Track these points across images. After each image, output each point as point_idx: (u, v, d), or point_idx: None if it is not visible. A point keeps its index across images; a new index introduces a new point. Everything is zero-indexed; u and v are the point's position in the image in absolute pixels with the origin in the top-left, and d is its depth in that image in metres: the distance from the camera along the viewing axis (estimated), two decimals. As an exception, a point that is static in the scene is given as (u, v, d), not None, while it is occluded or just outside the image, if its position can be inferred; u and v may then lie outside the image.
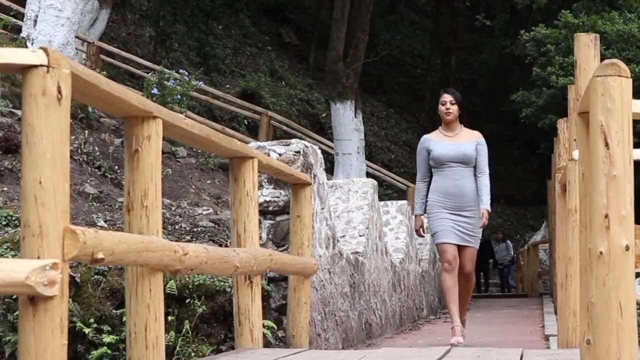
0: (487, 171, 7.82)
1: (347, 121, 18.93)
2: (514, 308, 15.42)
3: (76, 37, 13.46)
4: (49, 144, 2.91)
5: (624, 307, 3.02)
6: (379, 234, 9.81)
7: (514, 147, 35.48)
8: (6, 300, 5.56)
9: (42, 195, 2.89)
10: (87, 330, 5.62)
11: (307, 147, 6.75)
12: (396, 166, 27.76)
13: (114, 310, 5.75)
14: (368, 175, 19.03)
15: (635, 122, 3.26)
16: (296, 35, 32.16)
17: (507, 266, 27.19)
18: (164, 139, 4.06)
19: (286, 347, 6.08)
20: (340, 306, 7.70)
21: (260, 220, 6.11)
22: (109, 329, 5.68)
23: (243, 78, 25.48)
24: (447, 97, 7.83)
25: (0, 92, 9.53)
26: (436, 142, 7.78)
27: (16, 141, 8.04)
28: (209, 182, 11.48)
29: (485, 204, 7.72)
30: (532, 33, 22.36)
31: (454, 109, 7.79)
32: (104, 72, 13.13)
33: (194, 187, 10.66)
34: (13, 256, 5.55)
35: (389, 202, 12.08)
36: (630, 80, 3.13)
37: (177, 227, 7.25)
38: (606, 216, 3.05)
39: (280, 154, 6.55)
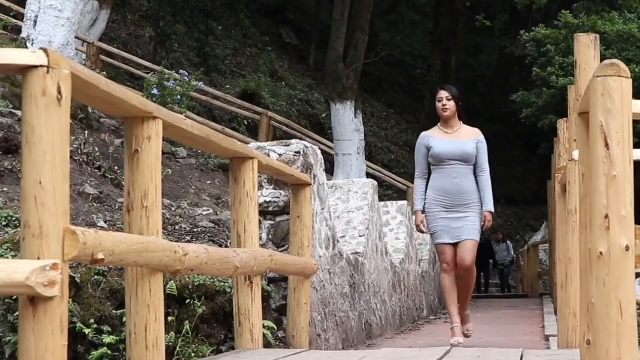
0: (488, 169, 7.71)
1: (347, 122, 18.93)
2: (514, 308, 15.41)
3: (76, 37, 13.46)
4: (49, 144, 2.91)
5: (624, 308, 3.02)
6: (379, 235, 9.81)
7: (514, 147, 35.47)
8: (6, 300, 5.56)
9: (43, 196, 2.89)
10: (87, 331, 5.62)
11: (307, 147, 6.75)
12: (396, 167, 27.77)
13: (114, 311, 5.75)
14: (368, 175, 19.02)
15: (635, 122, 3.26)
16: (296, 35, 32.16)
17: (508, 267, 27.20)
18: (164, 140, 4.06)
19: (286, 348, 6.08)
20: (341, 307, 7.70)
21: (260, 220, 6.11)
22: (109, 329, 5.68)
23: (243, 78, 25.48)
24: (443, 94, 7.69)
25: (0, 93, 9.53)
26: (436, 139, 7.64)
27: (16, 142, 8.04)
28: (209, 182, 11.48)
29: (489, 205, 7.65)
30: (532, 33, 22.35)
31: (451, 104, 7.64)
32: (104, 73, 13.15)
33: (194, 187, 10.66)
34: (13, 257, 5.55)
35: (389, 203, 12.08)
36: (631, 81, 3.13)
37: (177, 227, 7.25)
38: (606, 216, 3.05)
39: (280, 155, 6.55)
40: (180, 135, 4.50)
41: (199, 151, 12.11)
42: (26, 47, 11.40)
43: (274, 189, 6.63)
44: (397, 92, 35.42)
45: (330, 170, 17.47)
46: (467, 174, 7.59)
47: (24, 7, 13.19)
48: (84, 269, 5.82)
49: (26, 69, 2.92)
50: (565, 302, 5.97)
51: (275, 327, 6.24)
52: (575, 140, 5.39)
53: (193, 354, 5.79)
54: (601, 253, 3.05)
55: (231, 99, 20.65)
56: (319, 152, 7.11)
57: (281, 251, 6.29)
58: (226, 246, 6.51)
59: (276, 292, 6.44)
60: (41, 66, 2.91)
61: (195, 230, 7.22)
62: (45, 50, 2.94)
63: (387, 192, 21.70)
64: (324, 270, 7.20)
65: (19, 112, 8.98)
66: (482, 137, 7.72)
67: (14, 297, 5.30)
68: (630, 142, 3.10)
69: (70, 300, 5.51)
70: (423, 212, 7.68)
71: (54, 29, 11.66)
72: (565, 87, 8.67)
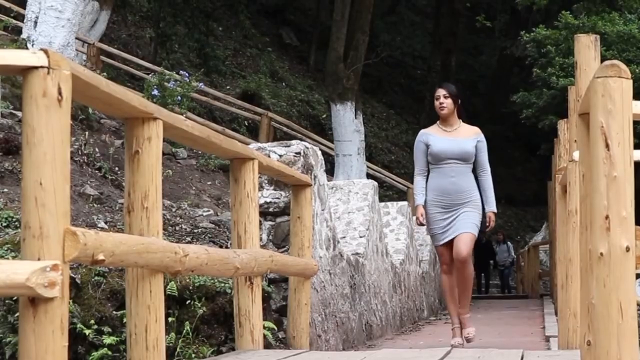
0: (489, 168, 7.67)
1: (348, 122, 18.93)
2: (514, 309, 15.41)
3: (76, 38, 13.46)
4: (49, 145, 2.91)
5: (625, 308, 3.02)
6: (380, 235, 9.81)
7: (515, 148, 35.48)
8: (7, 301, 5.56)
9: (43, 197, 2.89)
10: (87, 332, 5.61)
11: (307, 148, 6.75)
12: (396, 167, 27.78)
13: (114, 312, 5.75)
14: (368, 176, 19.03)
15: (635, 123, 3.27)
16: (296, 36, 32.17)
17: (508, 267, 27.21)
18: (164, 140, 4.06)
19: (287, 348, 6.08)
20: (341, 307, 7.70)
21: (260, 221, 6.11)
22: (110, 330, 5.68)
23: (243, 79, 25.49)
24: (440, 92, 7.60)
25: (0, 94, 9.53)
26: (435, 137, 7.55)
27: (17, 142, 8.04)
28: (209, 183, 11.48)
29: (491, 206, 7.63)
30: (532, 34, 22.35)
31: (448, 102, 7.54)
32: (105, 74, 13.15)
33: (194, 188, 10.66)
34: (13, 257, 5.55)
35: (389, 203, 12.08)
36: (631, 82, 3.13)
37: (177, 228, 7.25)
38: (606, 217, 3.05)
39: (280, 155, 6.55)
40: (181, 136, 4.50)
41: (199, 152, 12.11)
42: (26, 48, 11.40)
43: (274, 189, 6.63)
44: (397, 92, 35.43)
45: (330, 171, 17.48)
46: (464, 172, 7.52)
47: (24, 8, 13.19)
48: (84, 270, 5.82)
49: (26, 70, 2.92)
50: (566, 303, 5.97)
51: (276, 328, 6.24)
52: (575, 141, 5.39)
53: (193, 355, 5.79)
54: (601, 254, 3.05)
55: (231, 100, 20.65)
56: (319, 152, 7.11)
57: (281, 252, 6.29)
58: (226, 247, 6.51)
59: (276, 293, 6.44)
60: (41, 67, 2.91)
61: (196, 231, 7.23)
62: (45, 51, 2.94)
63: (387, 193, 21.71)
64: (324, 271, 7.20)
65: (19, 113, 8.98)
66: (482, 136, 7.64)
67: (15, 298, 5.30)
68: (631, 143, 3.10)
69: (71, 301, 5.51)
70: (424, 206, 7.56)
71: (55, 29, 11.66)
72: (566, 87, 8.66)
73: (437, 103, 7.62)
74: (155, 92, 12.91)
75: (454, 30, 32.39)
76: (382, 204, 11.13)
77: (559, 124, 7.64)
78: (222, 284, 6.02)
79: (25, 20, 12.70)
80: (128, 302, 3.83)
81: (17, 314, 4.72)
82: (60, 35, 11.67)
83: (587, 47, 5.31)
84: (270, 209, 6.60)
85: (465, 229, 7.45)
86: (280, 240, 6.55)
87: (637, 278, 3.52)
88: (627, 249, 3.05)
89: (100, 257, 3.16)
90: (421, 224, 7.64)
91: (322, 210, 7.20)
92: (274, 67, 27.89)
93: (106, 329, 5.68)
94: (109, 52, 18.45)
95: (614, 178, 3.05)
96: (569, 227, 5.84)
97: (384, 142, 30.10)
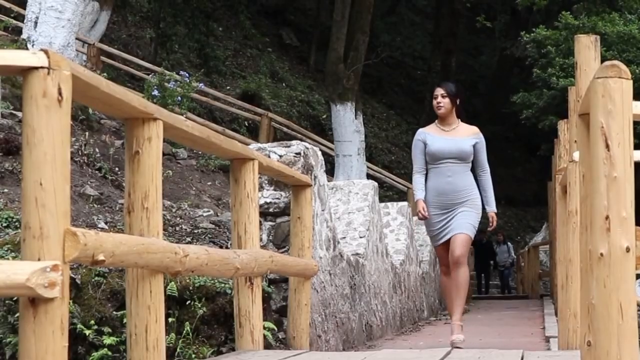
0: (489, 168, 7.61)
1: (348, 123, 18.93)
2: (514, 309, 15.42)
3: (77, 38, 13.46)
4: (49, 145, 2.91)
5: (625, 309, 3.02)
6: (380, 236, 9.81)
7: (515, 148, 35.48)
8: (7, 302, 5.56)
9: (43, 197, 2.89)
10: (87, 332, 5.62)
11: (307, 148, 6.75)
12: (397, 167, 27.78)
13: (114, 312, 5.75)
14: (368, 176, 19.03)
15: (635, 123, 3.27)
16: (296, 36, 32.17)
17: (508, 268, 27.22)
18: (164, 141, 4.06)
19: (287, 349, 6.08)
20: (341, 308, 7.70)
21: (260, 221, 6.11)
22: (110, 330, 5.68)
23: (243, 79, 25.49)
24: (438, 91, 7.53)
25: (0, 94, 9.53)
26: (433, 136, 7.48)
27: (17, 143, 8.04)
28: (209, 183, 11.48)
29: (492, 206, 7.58)
30: (532, 34, 22.36)
31: (445, 102, 7.45)
32: (105, 74, 13.15)
33: (194, 188, 10.66)
34: (14, 258, 5.55)
35: (389, 204, 12.07)
36: (631, 82, 3.13)
37: (177, 228, 7.25)
38: (607, 218, 3.05)
39: (280, 156, 6.55)
40: (181, 136, 4.50)
41: (200, 152, 12.11)
42: (27, 48, 11.40)
43: (275, 190, 6.64)
44: (397, 93, 35.43)
45: (330, 172, 17.48)
46: (461, 171, 7.43)
47: (25, 8, 13.20)
48: (84, 270, 5.82)
49: (27, 70, 2.92)
50: (566, 303, 5.97)
51: (276, 328, 6.24)
52: (575, 141, 5.39)
53: (193, 355, 5.79)
54: (602, 254, 3.05)
55: (231, 100, 20.66)
56: (319, 153, 7.11)
57: (281, 252, 6.29)
58: (227, 247, 6.51)
59: (276, 293, 6.44)
60: (42, 67, 2.91)
61: (196, 231, 7.23)
62: (45, 52, 2.94)
63: (387, 193, 21.71)
64: (325, 272, 7.20)
65: (19, 113, 8.98)
66: (480, 136, 7.56)
67: (15, 298, 5.30)
68: (631, 143, 3.10)
69: (71, 301, 5.51)
70: (424, 200, 7.43)
71: (55, 30, 11.66)
72: (566, 88, 8.66)
73: (434, 102, 7.56)
74: (156, 92, 12.91)
75: (454, 31, 32.40)
76: (382, 204, 11.13)
77: (559, 125, 7.64)
78: (222, 285, 6.02)
79: (25, 21, 12.70)
80: (128, 302, 3.83)
81: (17, 315, 4.72)
82: (60, 35, 11.67)
83: (587, 48, 5.31)
84: (271, 210, 6.60)
85: (460, 230, 7.35)
86: (281, 241, 6.55)
87: (637, 278, 3.52)
88: (627, 250, 3.05)
89: (101, 257, 3.16)
90: (423, 217, 7.45)
91: (322, 210, 7.20)
92: (274, 67, 27.89)
93: (106, 329, 5.68)
94: (109, 52, 18.45)
95: (614, 178, 3.05)
96: (569, 228, 5.84)
97: (384, 142, 30.10)
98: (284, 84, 27.32)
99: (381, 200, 10.75)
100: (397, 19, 38.34)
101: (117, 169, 9.12)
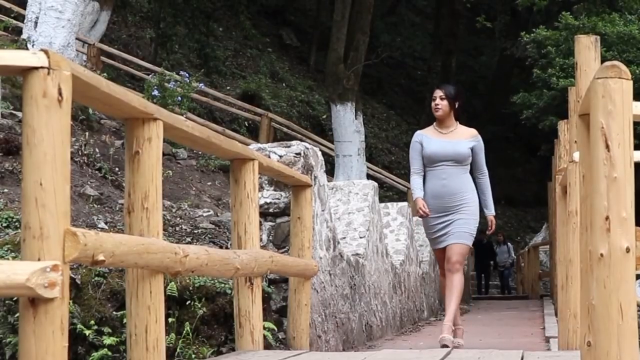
0: (487, 171, 7.57)
1: (348, 123, 18.93)
2: (514, 310, 15.42)
3: (77, 39, 13.46)
4: (49, 145, 2.91)
5: (625, 309, 3.03)
6: (380, 236, 9.81)
7: (515, 148, 35.49)
8: (7, 302, 5.56)
9: (43, 197, 2.89)
10: (87, 332, 5.61)
11: (307, 149, 6.75)
12: (397, 168, 27.78)
13: (114, 312, 5.75)
14: (368, 177, 19.04)
15: (635, 124, 3.27)
16: (297, 36, 32.17)
17: (508, 268, 27.23)
18: (164, 141, 4.06)
19: (287, 349, 6.08)
20: (341, 308, 7.70)
21: (260, 222, 6.11)
22: (110, 330, 5.68)
23: (243, 80, 25.49)
24: (437, 93, 7.48)
25: (0, 94, 9.53)
26: (429, 139, 7.43)
27: (17, 143, 8.04)
28: (209, 183, 11.48)
29: (491, 209, 7.55)
30: (532, 35, 22.36)
31: (443, 104, 7.40)
32: (105, 74, 13.15)
33: (194, 188, 10.66)
34: (14, 258, 5.55)
35: (389, 204, 12.08)
36: (631, 82, 3.13)
37: (177, 229, 7.25)
38: (607, 218, 3.05)
39: (280, 156, 6.55)
40: (181, 136, 4.50)
41: (200, 152, 12.11)
42: (27, 49, 11.40)
43: (275, 190, 6.64)
44: (397, 93, 35.44)
45: (330, 172, 17.49)
46: (458, 174, 7.36)
47: (25, 9, 13.20)
48: (84, 270, 5.82)
49: (27, 70, 2.92)
50: (566, 304, 5.97)
51: (276, 329, 6.24)
52: (575, 141, 5.40)
53: (193, 355, 5.79)
54: (602, 254, 3.05)
55: (232, 100, 20.66)
56: (319, 153, 7.11)
57: (281, 252, 6.29)
58: (227, 247, 6.51)
59: (276, 294, 6.44)
60: (42, 67, 2.91)
61: (196, 231, 7.23)
62: (45, 52, 2.94)
63: (387, 194, 21.72)
64: (325, 272, 7.20)
65: (19, 114, 8.98)
66: (479, 138, 7.50)
67: (15, 299, 5.30)
68: (631, 144, 3.10)
69: (71, 301, 5.51)
70: (423, 198, 7.37)
71: (55, 30, 11.66)
72: (566, 88, 8.65)
73: (433, 104, 7.52)
74: (156, 92, 12.91)
75: (454, 31, 32.39)
76: (382, 204, 11.13)
77: (559, 125, 7.64)
78: (222, 285, 6.02)
79: (25, 21, 12.71)
80: (128, 302, 3.83)
81: (17, 315, 4.72)
82: (60, 35, 11.67)
83: (587, 48, 5.31)
84: (271, 210, 6.60)
85: (457, 240, 7.33)
86: (281, 241, 6.55)
87: (637, 279, 3.52)
88: (627, 250, 3.05)
89: (101, 257, 3.16)
90: (425, 213, 7.35)
91: (322, 210, 7.20)
92: (274, 67, 27.89)
93: (106, 329, 5.68)
94: (109, 52, 18.45)
95: (614, 179, 3.05)
96: (569, 228, 5.84)
97: (384, 142, 30.11)
98: (284, 84, 27.33)
99: (381, 200, 10.75)
100: (397, 20, 38.34)
101: (117, 169, 9.12)
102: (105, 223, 6.86)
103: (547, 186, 18.28)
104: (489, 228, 7.70)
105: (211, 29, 26.30)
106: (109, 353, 5.60)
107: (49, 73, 2.91)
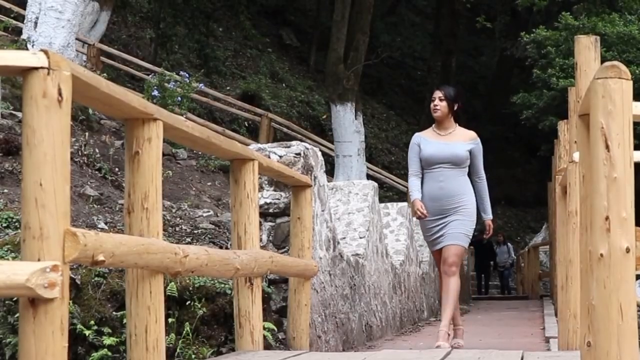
0: (484, 175, 7.49)
1: (348, 123, 18.94)
2: (514, 310, 15.42)
3: (77, 39, 13.46)
4: (49, 146, 2.91)
5: (625, 310, 3.03)
6: (380, 236, 9.81)
7: (515, 149, 35.48)
8: (6, 302, 5.56)
9: (43, 198, 2.89)
10: (87, 333, 5.61)
11: (307, 149, 6.75)
12: (396, 168, 27.78)
13: (114, 312, 5.75)
14: (368, 177, 19.04)
15: (635, 124, 3.27)
16: (297, 37, 32.17)
17: (508, 268, 27.23)
18: (164, 141, 4.06)
19: (286, 349, 6.08)
20: (341, 308, 7.70)
21: (260, 222, 6.11)
22: (110, 331, 5.68)
23: (243, 80, 25.49)
24: (437, 94, 7.42)
25: (0, 94, 9.53)
26: (427, 141, 7.37)
27: (17, 143, 8.04)
28: (209, 184, 11.48)
29: (488, 213, 7.48)
30: (532, 35, 22.35)
31: (442, 105, 7.34)
32: (105, 74, 13.15)
33: (194, 189, 10.66)
34: (13, 258, 5.55)
35: (389, 204, 12.08)
36: (631, 83, 3.13)
37: (177, 229, 7.25)
38: (607, 218, 3.05)
39: (280, 156, 6.55)
40: (181, 136, 4.50)
41: (200, 153, 12.11)
42: (27, 49, 11.40)
43: (275, 190, 6.64)
44: (397, 93, 35.44)
45: (330, 172, 17.48)
46: (455, 176, 7.30)
47: (25, 9, 13.20)
48: (84, 271, 5.82)
49: (27, 71, 2.92)
50: (566, 304, 5.97)
51: (276, 329, 6.24)
52: (575, 141, 5.40)
53: (193, 356, 5.79)
54: (602, 255, 3.05)
55: (231, 101, 20.66)
56: (319, 153, 7.10)
57: (281, 253, 6.29)
58: (226, 248, 6.51)
59: (276, 294, 6.44)
60: (42, 68, 2.91)
61: (196, 231, 7.23)
62: (45, 52, 2.94)
63: (387, 194, 21.72)
64: (324, 272, 7.20)
65: (19, 114, 8.98)
66: (477, 141, 7.43)
67: (14, 299, 5.30)
68: (631, 144, 3.10)
69: (71, 301, 5.51)
70: (421, 200, 7.30)
71: (55, 30, 11.66)
72: (566, 88, 8.65)
73: (432, 105, 7.46)
74: (156, 92, 12.91)
75: (454, 31, 32.39)
76: (382, 204, 11.13)
77: (559, 125, 7.63)
78: (222, 285, 6.02)
79: (25, 21, 12.71)
80: (128, 302, 3.83)
81: (17, 315, 4.71)
82: (60, 36, 11.67)
83: (587, 48, 5.31)
84: (270, 210, 6.60)
85: (453, 241, 7.26)
86: (280, 241, 6.55)
87: (637, 279, 3.52)
88: (627, 250, 3.05)
89: (100, 257, 3.16)
90: (422, 215, 7.28)
91: (322, 211, 7.20)
92: (274, 67, 27.89)
93: (106, 329, 5.68)
94: (109, 52, 18.45)
95: (614, 179, 3.05)
96: (569, 228, 5.84)
97: (384, 143, 30.11)
98: (284, 85, 27.33)
99: (381, 200, 10.75)
100: (397, 20, 38.34)
101: (117, 169, 9.12)
102: (105, 223, 6.86)
103: (547, 186, 18.28)
104: (487, 232, 7.63)
105: (211, 29, 26.31)
106: (109, 353, 5.60)
107: (48, 73, 2.91)
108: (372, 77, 31.66)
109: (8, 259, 5.53)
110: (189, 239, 6.90)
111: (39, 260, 2.88)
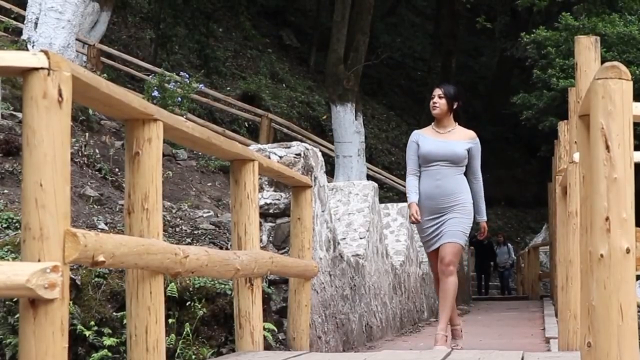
0: (481, 176, 7.42)
1: (348, 124, 18.94)
2: (514, 310, 15.42)
3: (77, 39, 13.46)
4: (49, 146, 2.91)
5: (625, 310, 3.02)
6: (380, 237, 9.81)
7: (515, 149, 35.48)
8: (7, 303, 5.56)
9: (43, 198, 2.90)
10: (87, 333, 5.61)
11: (307, 149, 6.75)
12: (397, 168, 27.78)
13: (114, 313, 5.75)
14: (369, 177, 19.04)
15: (635, 124, 3.27)
16: (297, 37, 32.17)
17: (508, 269, 27.23)
18: (164, 142, 4.06)
19: (287, 350, 6.08)
20: (341, 309, 7.70)
21: (260, 222, 6.11)
22: (110, 331, 5.68)
23: (244, 80, 25.49)
24: (436, 91, 7.38)
25: (0, 95, 9.53)
26: (425, 138, 7.32)
27: (17, 144, 8.04)
28: (209, 184, 11.48)
29: (482, 215, 7.39)
30: (532, 35, 22.35)
31: (441, 103, 7.29)
32: (105, 75, 13.15)
33: (194, 189, 10.66)
34: (14, 259, 5.55)
35: (389, 205, 12.08)
36: (631, 83, 3.13)
37: (177, 229, 7.25)
38: (607, 219, 3.05)
39: (280, 157, 6.56)
40: (181, 137, 4.50)
41: (200, 153, 12.12)
42: (27, 49, 11.40)
43: (275, 191, 6.64)
44: (397, 94, 35.44)
45: (330, 172, 17.49)
46: (452, 175, 7.24)
47: (25, 9, 13.21)
48: (84, 271, 5.82)
49: (27, 71, 2.92)
50: (566, 305, 5.97)
51: (276, 329, 6.24)
52: (575, 142, 5.40)
53: (193, 356, 5.79)
54: (602, 255, 3.05)
55: (232, 101, 20.66)
56: (319, 154, 7.10)
57: (282, 253, 6.29)
58: (227, 248, 6.51)
59: (276, 294, 6.44)
60: (42, 68, 2.91)
61: (196, 232, 7.22)
62: (46, 53, 2.94)
63: (387, 194, 21.72)
64: (325, 272, 7.20)
65: (19, 114, 8.98)
66: (476, 141, 7.38)
67: (15, 299, 5.30)
68: (631, 145, 3.10)
69: (71, 302, 5.51)
70: (417, 203, 7.25)
71: (55, 31, 11.66)
72: (566, 89, 8.65)
73: (431, 102, 7.42)
74: (156, 93, 12.91)
75: (454, 32, 32.39)
76: (382, 205, 11.13)
77: (559, 126, 7.63)
78: (222, 286, 6.02)
79: (25, 22, 12.72)
80: (128, 303, 3.83)
81: (17, 316, 4.72)
82: (60, 36, 11.67)
83: (587, 49, 5.30)
84: (271, 210, 6.60)
85: (450, 239, 7.19)
86: (281, 242, 6.55)
87: (637, 279, 3.52)
88: (628, 251, 3.05)
89: (101, 258, 3.16)
90: (416, 221, 7.27)
91: (322, 211, 7.20)
92: (274, 68, 27.90)
93: (106, 330, 5.68)
94: (109, 53, 18.45)
95: (614, 180, 3.05)
96: (569, 229, 5.84)
97: (384, 143, 30.11)
98: (284, 85, 27.33)
99: (381, 201, 10.76)
100: (397, 20, 38.34)
101: (117, 169, 9.12)
102: (105, 224, 6.87)
103: (547, 187, 18.29)
104: (481, 233, 7.56)
105: (211, 29, 26.31)
106: (109, 354, 5.60)
107: (49, 74, 2.91)
108: (372, 78, 31.66)
109: (8, 260, 5.53)
110: (189, 240, 6.90)
111: (39, 260, 2.88)
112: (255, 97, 23.79)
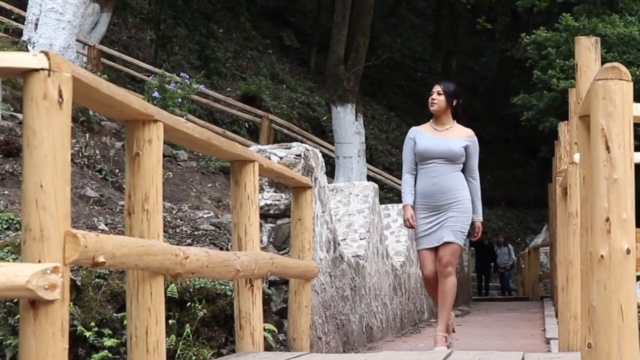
0: (478, 175, 7.33)
1: (348, 124, 18.94)
2: (514, 311, 15.42)
3: (77, 40, 13.46)
4: (50, 147, 2.91)
5: (625, 311, 3.02)
6: (380, 237, 9.81)
7: (515, 150, 35.47)
8: (7, 304, 5.56)
9: (43, 199, 2.90)
10: (88, 334, 5.62)
11: (308, 150, 6.75)
12: (397, 169, 27.75)
13: (114, 314, 5.75)
14: (369, 178, 19.04)
15: (636, 125, 3.27)
16: (297, 38, 32.17)
17: (508, 270, 27.22)
18: (164, 143, 4.06)
19: (287, 351, 6.08)
20: (341, 309, 7.70)
21: (261, 223, 6.11)
22: (110, 332, 5.68)
23: (244, 81, 25.49)
24: (435, 88, 7.33)
25: (1, 96, 9.53)
26: (423, 135, 7.25)
27: (17, 145, 8.04)
28: (209, 185, 11.48)
29: (479, 215, 7.28)
30: (532, 36, 22.35)
31: (440, 99, 7.22)
32: (105, 76, 13.15)
33: (194, 190, 10.67)
34: (14, 260, 5.55)
35: (389, 206, 12.08)
36: (631, 84, 3.13)
37: (178, 230, 7.25)
38: (607, 220, 3.05)
39: (281, 158, 6.56)
40: (181, 138, 4.50)
41: (200, 154, 12.12)
42: (27, 50, 11.41)
43: (275, 191, 6.64)
44: (397, 94, 35.43)
45: (331, 173, 17.49)
46: (449, 172, 7.15)
47: (25, 10, 13.21)
48: (84, 272, 5.82)
49: (27, 72, 2.92)
50: (566, 305, 5.97)
51: (276, 330, 6.24)
52: (576, 143, 5.40)
53: (194, 357, 5.79)
54: (602, 256, 3.05)
55: (232, 102, 20.67)
56: (319, 154, 7.10)
57: (282, 254, 6.29)
58: (227, 249, 6.51)
59: (277, 295, 6.44)
60: (42, 69, 2.91)
61: (196, 233, 7.22)
62: (46, 53, 2.94)
63: (387, 195, 21.71)
64: (325, 273, 7.19)
65: (20, 115, 8.98)
66: (474, 139, 7.29)
67: (15, 300, 5.29)
68: (631, 145, 3.10)
69: (71, 303, 5.51)
70: (413, 207, 7.23)
71: (55, 31, 11.66)
72: (566, 89, 8.65)
73: (429, 98, 7.35)
74: (156, 94, 12.92)
75: (455, 33, 32.41)
76: (383, 206, 11.13)
77: (559, 126, 7.63)
78: (223, 286, 6.02)
79: (25, 23, 12.72)
80: (128, 304, 3.83)
81: (18, 317, 4.71)
82: (60, 37, 11.67)
83: (587, 49, 5.30)
84: (271, 211, 6.60)
85: (449, 238, 7.10)
86: (281, 243, 6.55)
87: (637, 280, 3.52)
88: (628, 252, 3.05)
89: (101, 259, 3.16)
90: (411, 226, 7.24)
91: (323, 212, 7.20)
92: (275, 69, 27.89)
93: (106, 331, 5.68)
94: (110, 54, 18.46)
95: (615, 180, 3.05)
96: (570, 230, 5.84)
97: (385, 144, 30.10)
98: (284, 86, 27.33)
99: (381, 201, 10.75)
100: (398, 21, 38.34)
101: (117, 170, 9.12)
102: (106, 225, 6.87)
103: (547, 187, 18.28)
104: (475, 234, 7.44)
105: (211, 30, 26.31)
106: (109, 355, 5.60)
107: (49, 75, 2.92)
108: (373, 79, 31.65)
109: (8, 261, 5.53)
110: (189, 241, 6.90)
111: (39, 261, 2.88)
112: (256, 98, 23.78)
